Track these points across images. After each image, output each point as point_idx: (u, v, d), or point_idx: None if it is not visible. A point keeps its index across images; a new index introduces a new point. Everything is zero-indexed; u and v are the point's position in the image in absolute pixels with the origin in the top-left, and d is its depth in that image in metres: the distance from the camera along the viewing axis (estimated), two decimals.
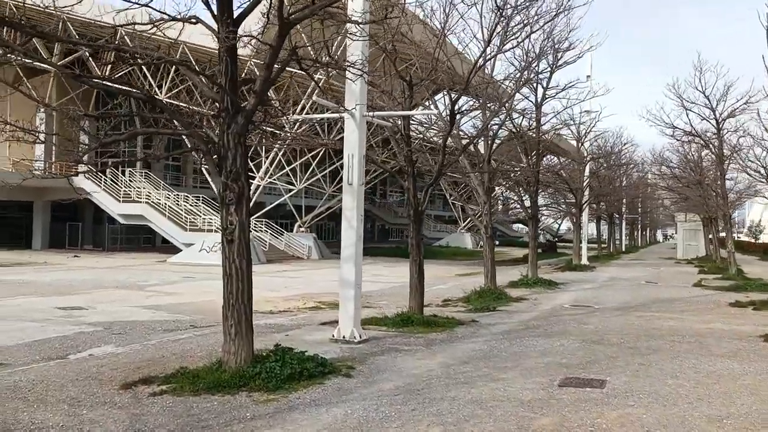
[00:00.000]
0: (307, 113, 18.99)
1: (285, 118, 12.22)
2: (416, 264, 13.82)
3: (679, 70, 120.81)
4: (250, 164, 28.23)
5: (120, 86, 9.07)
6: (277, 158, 38.04)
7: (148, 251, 43.84)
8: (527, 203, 28.62)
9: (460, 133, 19.00)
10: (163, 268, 31.34)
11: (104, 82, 9.57)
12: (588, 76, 39.95)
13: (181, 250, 37.29)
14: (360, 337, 11.26)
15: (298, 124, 22.81)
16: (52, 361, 9.82)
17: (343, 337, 11.23)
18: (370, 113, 11.39)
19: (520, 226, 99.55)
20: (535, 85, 24.04)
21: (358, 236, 11.21)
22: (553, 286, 24.49)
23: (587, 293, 22.72)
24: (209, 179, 39.89)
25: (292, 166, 42.65)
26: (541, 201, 35.20)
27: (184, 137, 34.90)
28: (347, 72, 10.46)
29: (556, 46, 20.41)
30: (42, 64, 37.67)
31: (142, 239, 48.82)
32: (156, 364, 9.46)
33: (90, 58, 36.37)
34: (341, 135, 31.05)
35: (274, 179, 40.63)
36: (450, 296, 20.03)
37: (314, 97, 9.83)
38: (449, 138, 14.63)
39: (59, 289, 20.29)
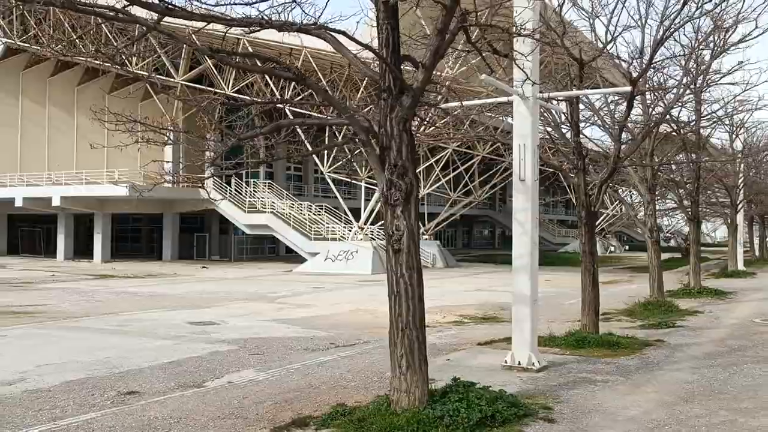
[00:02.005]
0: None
1: (450, 102, 10.59)
2: (590, 274, 11.72)
3: None
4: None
5: (263, 65, 7.71)
6: None
7: (272, 261, 43.67)
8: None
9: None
10: (290, 278, 30.58)
11: (239, 61, 8.22)
12: (740, 62, 35.89)
13: (305, 260, 36.64)
14: (539, 363, 9.35)
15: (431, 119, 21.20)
16: (189, 390, 8.60)
17: (519, 363, 9.36)
18: (545, 94, 9.51)
19: None
20: (693, 68, 21.15)
21: (533, 242, 9.32)
22: (722, 296, 21.48)
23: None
24: (332, 186, 39.09)
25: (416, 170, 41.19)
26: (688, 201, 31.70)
27: (305, 140, 34.26)
28: (516, 45, 8.67)
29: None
30: (168, 80, 38.40)
31: (266, 249, 48.89)
32: (306, 398, 8.00)
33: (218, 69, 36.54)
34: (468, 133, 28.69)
35: None
36: (606, 308, 17.66)
37: (482, 77, 8.16)
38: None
39: (190, 302, 19.63)
